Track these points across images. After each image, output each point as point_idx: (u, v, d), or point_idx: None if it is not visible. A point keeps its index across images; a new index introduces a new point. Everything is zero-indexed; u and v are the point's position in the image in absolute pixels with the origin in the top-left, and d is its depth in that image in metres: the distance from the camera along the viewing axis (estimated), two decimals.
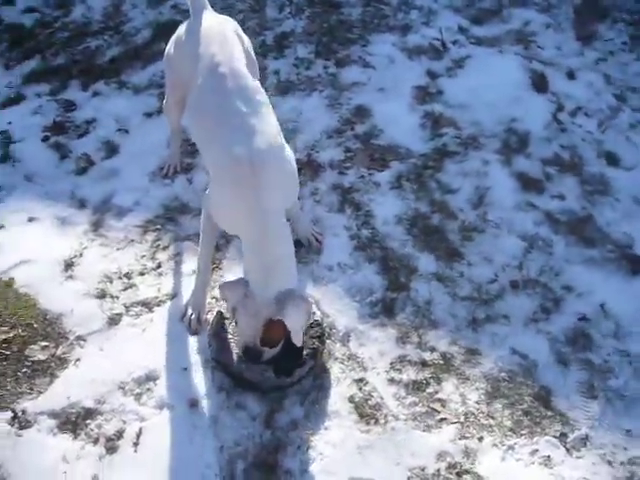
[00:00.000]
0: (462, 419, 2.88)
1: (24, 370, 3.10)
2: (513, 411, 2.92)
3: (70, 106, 4.61)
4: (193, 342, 3.15)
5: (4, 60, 5.10)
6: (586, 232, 3.66)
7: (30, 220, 3.79)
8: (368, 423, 2.87)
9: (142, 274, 3.48)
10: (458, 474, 2.70)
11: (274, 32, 5.14)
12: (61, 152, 4.23)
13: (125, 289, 3.41)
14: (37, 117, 4.52)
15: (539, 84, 4.59)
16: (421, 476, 2.69)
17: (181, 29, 3.33)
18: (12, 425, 2.89)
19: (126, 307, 3.33)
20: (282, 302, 2.63)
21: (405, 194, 3.83)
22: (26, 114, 4.55)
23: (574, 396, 2.97)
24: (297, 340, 2.66)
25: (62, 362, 3.13)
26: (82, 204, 3.87)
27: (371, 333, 3.19)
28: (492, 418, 2.89)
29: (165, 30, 5.09)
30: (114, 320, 3.27)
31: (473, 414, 2.90)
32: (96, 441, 2.83)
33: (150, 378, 3.03)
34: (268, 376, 2.88)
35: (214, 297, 3.28)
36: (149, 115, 4.46)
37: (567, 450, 2.79)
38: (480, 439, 2.82)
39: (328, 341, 3.14)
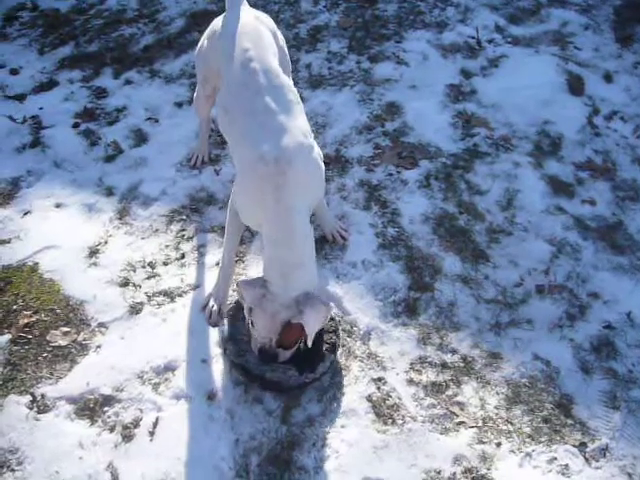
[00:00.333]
0: (480, 423, 2.85)
1: (45, 355, 3.12)
2: (533, 418, 2.87)
3: (101, 93, 4.63)
4: (214, 334, 3.14)
5: (39, 45, 5.14)
6: (616, 239, 3.60)
7: (57, 206, 3.81)
8: (385, 423, 2.84)
9: (166, 264, 3.48)
10: (474, 479, 2.66)
11: (308, 25, 5.13)
12: (90, 139, 4.25)
13: (148, 278, 3.42)
14: (68, 103, 4.55)
15: (575, 86, 4.52)
16: (436, 479, 2.66)
17: (216, 23, 3.29)
18: (31, 409, 2.91)
19: (148, 296, 3.33)
20: (302, 305, 2.62)
21: (433, 193, 3.80)
22: (58, 100, 4.58)
23: (596, 405, 2.92)
24: (309, 343, 2.68)
25: (83, 348, 3.14)
26: (109, 192, 3.88)
27: (392, 332, 3.16)
28: (511, 424, 2.85)
29: (199, 20, 5.13)
30: (136, 309, 3.28)
31: (492, 419, 2.87)
32: (112, 428, 2.84)
33: (169, 368, 3.02)
34: (291, 374, 2.86)
35: (234, 290, 3.27)
36: (179, 105, 4.46)
37: (586, 460, 2.74)
38: (498, 444, 2.78)
39: (349, 339, 3.12)
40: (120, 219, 3.72)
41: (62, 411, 2.90)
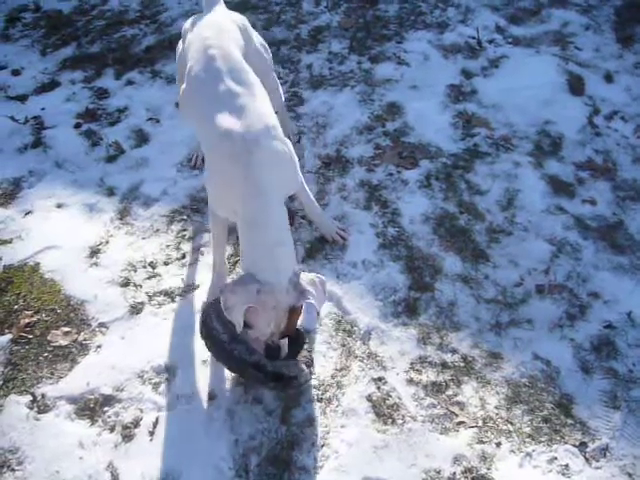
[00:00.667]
0: (480, 423, 2.85)
1: (45, 355, 3.13)
2: (533, 417, 2.87)
3: (103, 94, 4.64)
4: None
5: (41, 46, 5.16)
6: (616, 239, 3.60)
7: (58, 206, 3.82)
8: (385, 423, 2.84)
9: (166, 264, 3.48)
10: (474, 479, 2.66)
11: (309, 26, 5.14)
12: (92, 139, 4.26)
13: (149, 278, 3.42)
14: (70, 104, 4.57)
15: (575, 86, 4.52)
16: (436, 479, 2.66)
17: (186, 24, 3.33)
18: (31, 409, 2.92)
19: (149, 296, 3.34)
20: (300, 286, 2.52)
21: (433, 193, 3.80)
22: (59, 101, 4.60)
23: (596, 405, 2.92)
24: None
25: (83, 348, 3.15)
26: (110, 192, 3.89)
27: (392, 332, 3.16)
28: (511, 424, 2.85)
29: None
30: (136, 309, 3.28)
31: (492, 419, 2.86)
32: (113, 428, 2.85)
33: (169, 368, 3.03)
34: (302, 367, 2.80)
35: None
36: None
37: (586, 460, 2.74)
38: (498, 444, 2.78)
39: (349, 339, 3.12)
40: (121, 219, 3.73)
41: (62, 411, 2.91)
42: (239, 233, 2.66)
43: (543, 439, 2.80)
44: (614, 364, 3.07)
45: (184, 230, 3.64)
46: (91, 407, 2.92)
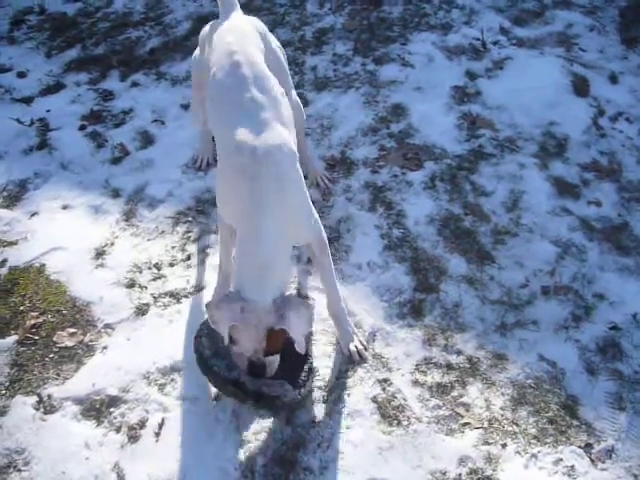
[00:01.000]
0: (486, 424, 2.85)
1: (51, 356, 3.14)
2: (538, 419, 2.87)
3: (108, 96, 4.65)
4: None
5: (46, 48, 5.17)
6: (621, 240, 3.60)
7: (64, 208, 3.83)
8: (390, 424, 2.84)
9: (171, 265, 3.49)
10: None
11: (313, 28, 5.14)
12: (97, 141, 4.27)
13: (154, 279, 3.43)
14: (75, 106, 4.58)
15: (580, 88, 4.52)
16: None
17: (205, 30, 3.31)
18: (37, 410, 2.93)
19: (154, 297, 3.34)
20: (282, 309, 2.46)
21: (438, 195, 3.80)
22: (64, 102, 4.61)
23: (601, 407, 2.92)
24: (301, 348, 2.51)
25: (89, 349, 3.16)
26: (116, 193, 3.90)
27: (397, 334, 3.16)
28: (516, 425, 2.85)
29: (205, 23, 5.09)
30: (142, 310, 3.29)
31: (497, 420, 2.86)
32: (119, 429, 2.85)
33: (175, 369, 3.03)
34: (287, 388, 2.75)
35: None
36: (185, 107, 4.47)
37: (592, 461, 2.74)
38: (503, 446, 2.78)
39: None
40: (126, 221, 3.74)
41: (68, 412, 2.92)
42: (236, 244, 2.63)
43: (549, 440, 2.80)
44: (619, 365, 3.07)
45: (189, 232, 3.65)
46: (97, 408, 2.92)
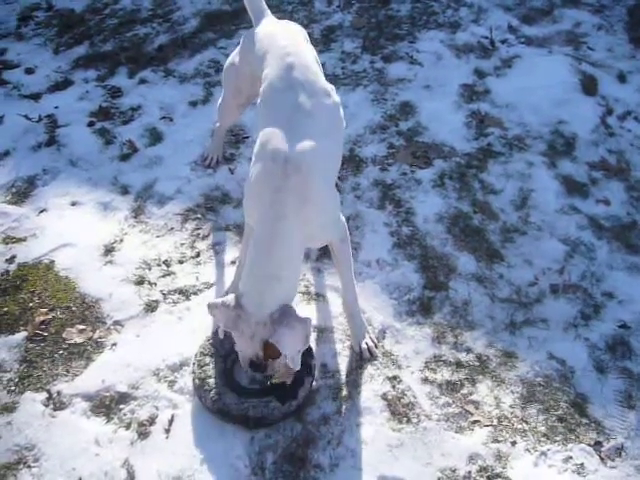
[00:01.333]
0: (495, 422, 2.85)
1: (61, 352, 3.14)
2: (548, 417, 2.87)
3: (116, 92, 4.65)
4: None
5: (53, 45, 5.17)
6: (630, 239, 3.60)
7: (73, 204, 3.83)
8: (400, 422, 2.84)
9: (181, 262, 3.49)
10: (489, 478, 2.66)
11: (321, 25, 5.14)
12: (106, 138, 4.27)
13: (163, 276, 3.43)
14: (83, 102, 4.58)
15: (588, 86, 4.52)
16: (452, 478, 2.66)
17: (246, 38, 3.28)
18: (47, 406, 2.92)
19: (164, 294, 3.34)
20: (276, 324, 2.43)
21: (447, 193, 3.80)
22: (73, 99, 4.61)
23: (611, 405, 2.92)
24: (293, 364, 2.47)
25: (98, 346, 3.15)
26: (124, 190, 3.90)
27: (407, 331, 3.16)
28: (526, 423, 2.85)
29: (213, 20, 5.17)
30: (151, 307, 3.29)
31: (507, 418, 2.86)
32: (128, 426, 2.85)
33: (184, 365, 3.03)
34: (273, 406, 2.75)
35: None
36: (194, 104, 4.48)
37: (601, 459, 2.74)
38: (513, 443, 2.78)
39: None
40: (135, 217, 3.74)
41: (78, 408, 2.91)
42: (250, 246, 2.60)
43: (558, 438, 2.80)
44: (628, 364, 3.07)
45: (198, 229, 3.65)
46: (107, 404, 2.92)
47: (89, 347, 3.15)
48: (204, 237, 3.61)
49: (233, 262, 3.38)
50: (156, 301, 3.31)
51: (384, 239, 3.55)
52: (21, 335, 3.19)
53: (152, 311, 3.27)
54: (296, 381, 2.78)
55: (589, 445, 2.78)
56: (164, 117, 4.41)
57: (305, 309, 3.20)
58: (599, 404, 2.92)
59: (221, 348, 2.94)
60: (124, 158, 4.12)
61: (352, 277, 3.05)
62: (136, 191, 3.89)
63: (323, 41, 4.97)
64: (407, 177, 3.90)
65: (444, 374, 3.01)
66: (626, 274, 3.44)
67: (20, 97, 4.65)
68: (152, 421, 2.86)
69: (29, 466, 2.72)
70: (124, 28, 5.28)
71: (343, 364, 3.03)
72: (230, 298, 2.53)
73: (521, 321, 3.21)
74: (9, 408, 2.91)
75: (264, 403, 2.76)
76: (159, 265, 3.48)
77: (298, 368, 2.50)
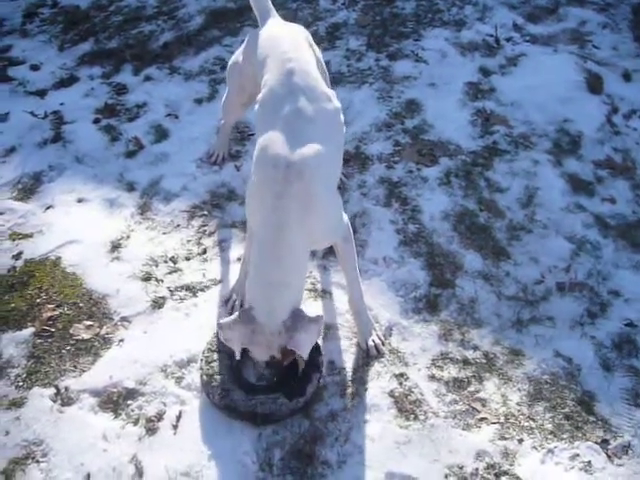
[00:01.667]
0: (502, 420, 2.85)
1: (68, 348, 3.14)
2: (555, 414, 2.87)
3: (122, 89, 4.66)
4: None
5: (58, 42, 5.19)
6: (636, 237, 3.61)
7: (79, 201, 3.84)
8: (407, 418, 2.84)
9: (187, 259, 3.50)
10: (496, 475, 2.66)
11: (326, 23, 5.15)
12: (111, 135, 4.28)
13: (170, 273, 3.43)
14: (89, 99, 4.59)
15: (593, 85, 4.52)
16: (459, 475, 2.66)
17: (250, 38, 3.28)
18: (54, 402, 2.93)
19: (170, 291, 3.35)
20: (291, 330, 2.47)
21: (453, 191, 3.81)
22: (78, 96, 4.63)
23: (618, 403, 2.92)
24: (304, 359, 2.57)
25: (106, 342, 3.16)
26: (131, 187, 3.91)
27: (414, 328, 3.17)
28: (533, 420, 2.85)
29: (218, 17, 5.17)
30: (158, 303, 3.29)
31: (514, 415, 2.87)
32: (136, 422, 2.85)
33: (192, 362, 3.03)
34: (281, 403, 2.76)
35: None
36: (199, 102, 4.49)
37: (608, 457, 2.74)
38: (520, 441, 2.78)
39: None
40: (141, 214, 3.74)
41: (86, 404, 2.92)
42: (252, 253, 2.62)
43: (565, 436, 2.80)
44: (635, 362, 3.08)
45: (205, 225, 3.66)
46: (114, 400, 2.92)
47: (96, 343, 3.16)
48: (210, 234, 3.61)
49: (239, 259, 3.38)
50: (163, 297, 3.32)
51: (390, 237, 3.56)
52: (28, 331, 3.20)
53: (159, 307, 3.28)
54: (304, 377, 2.80)
55: (596, 443, 2.78)
56: (169, 114, 4.41)
57: (312, 306, 3.20)
58: (606, 402, 2.92)
59: None
60: (130, 155, 4.13)
61: (357, 275, 3.05)
62: (142, 188, 3.90)
63: (328, 39, 4.97)
64: (413, 175, 3.90)
65: (451, 371, 3.01)
66: (632, 272, 3.44)
67: (26, 94, 4.66)
68: (160, 417, 2.86)
69: (37, 461, 2.73)
70: (129, 25, 5.29)
71: (350, 361, 3.03)
72: (239, 314, 2.54)
73: (527, 319, 3.21)
74: (17, 403, 2.92)
75: (272, 399, 2.77)
76: (166, 262, 3.48)
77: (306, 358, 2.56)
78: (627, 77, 4.64)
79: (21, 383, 3.00)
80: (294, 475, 2.66)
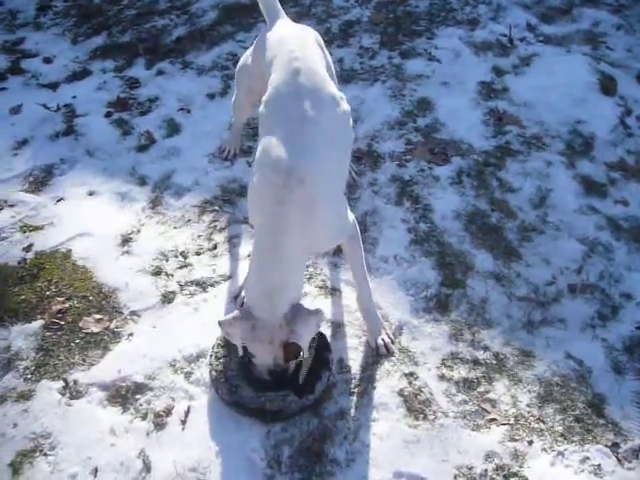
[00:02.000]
0: (512, 421, 2.83)
1: (77, 341, 3.14)
2: (565, 417, 2.86)
3: (134, 83, 4.66)
4: None
5: (72, 35, 5.19)
6: None
7: (90, 194, 3.84)
8: (416, 418, 2.83)
9: (198, 254, 3.49)
10: (505, 476, 2.65)
11: (340, 20, 5.15)
12: (123, 128, 4.28)
13: (180, 268, 3.43)
14: (101, 92, 4.59)
15: (607, 86, 4.50)
16: (468, 475, 2.65)
17: (259, 39, 3.23)
18: (63, 395, 2.93)
19: (180, 286, 3.34)
20: (292, 324, 2.47)
21: (465, 190, 3.79)
22: (91, 89, 4.63)
23: (628, 406, 2.90)
24: (307, 352, 2.56)
25: (115, 336, 3.15)
26: (142, 181, 3.91)
27: (424, 328, 3.16)
28: (543, 422, 2.84)
29: (231, 13, 5.17)
30: (168, 298, 3.29)
31: (524, 417, 2.85)
32: (145, 416, 2.84)
33: (201, 357, 3.03)
34: (291, 400, 2.75)
35: None
36: (211, 96, 4.49)
37: (618, 460, 2.72)
38: (530, 443, 2.77)
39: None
40: (153, 208, 3.74)
41: (94, 397, 2.91)
42: (252, 252, 2.62)
43: (575, 439, 2.79)
44: None
45: (215, 221, 3.65)
46: (123, 394, 2.92)
47: (106, 337, 3.15)
48: (221, 229, 3.61)
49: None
50: (173, 292, 3.31)
51: (401, 235, 3.54)
52: (38, 323, 3.20)
53: (169, 302, 3.27)
54: (313, 375, 2.80)
55: (606, 446, 2.76)
56: (182, 109, 4.41)
57: (322, 304, 3.19)
58: (616, 405, 2.90)
59: None
60: (142, 149, 4.13)
61: (365, 274, 3.02)
62: (153, 182, 3.90)
63: (341, 36, 4.97)
64: (425, 174, 3.89)
65: (461, 372, 3.00)
66: None
67: (38, 86, 4.67)
68: (168, 412, 2.85)
69: (45, 454, 2.72)
70: (142, 19, 5.29)
71: (360, 359, 3.02)
72: (241, 312, 2.54)
73: (539, 320, 3.20)
74: (25, 396, 2.91)
75: (281, 397, 2.75)
76: (176, 256, 3.48)
77: (307, 355, 2.57)
78: None
79: (30, 376, 3.00)
80: (302, 473, 2.65)
